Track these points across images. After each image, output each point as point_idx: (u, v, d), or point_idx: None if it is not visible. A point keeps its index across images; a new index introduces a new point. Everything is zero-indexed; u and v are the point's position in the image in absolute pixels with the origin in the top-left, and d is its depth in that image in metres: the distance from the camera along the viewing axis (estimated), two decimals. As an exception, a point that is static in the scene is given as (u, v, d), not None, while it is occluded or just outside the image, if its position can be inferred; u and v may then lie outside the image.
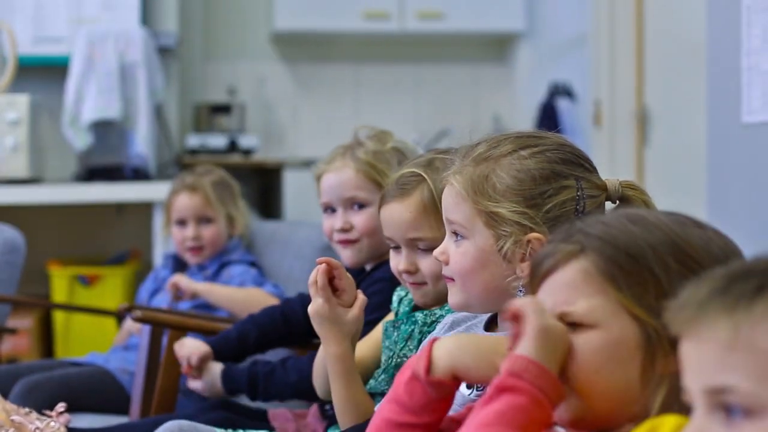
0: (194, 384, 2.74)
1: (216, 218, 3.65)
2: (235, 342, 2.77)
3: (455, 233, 1.83)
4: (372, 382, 2.25)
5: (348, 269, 2.69)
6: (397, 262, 2.22)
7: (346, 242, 2.61)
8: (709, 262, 1.40)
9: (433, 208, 2.15)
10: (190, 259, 3.66)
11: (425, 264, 2.17)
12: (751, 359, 1.07)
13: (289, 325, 2.79)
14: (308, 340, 2.79)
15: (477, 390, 1.77)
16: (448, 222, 1.84)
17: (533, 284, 1.52)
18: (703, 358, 1.12)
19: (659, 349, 1.39)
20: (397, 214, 2.20)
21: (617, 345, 1.41)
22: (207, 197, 3.65)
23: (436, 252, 1.87)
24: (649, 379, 1.40)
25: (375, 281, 2.53)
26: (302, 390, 2.57)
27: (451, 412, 1.77)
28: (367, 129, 2.66)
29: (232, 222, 3.70)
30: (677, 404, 1.36)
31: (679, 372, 1.34)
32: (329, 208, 2.66)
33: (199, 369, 2.72)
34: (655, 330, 1.39)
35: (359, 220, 2.59)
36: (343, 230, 2.60)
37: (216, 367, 2.72)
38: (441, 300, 2.18)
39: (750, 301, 1.09)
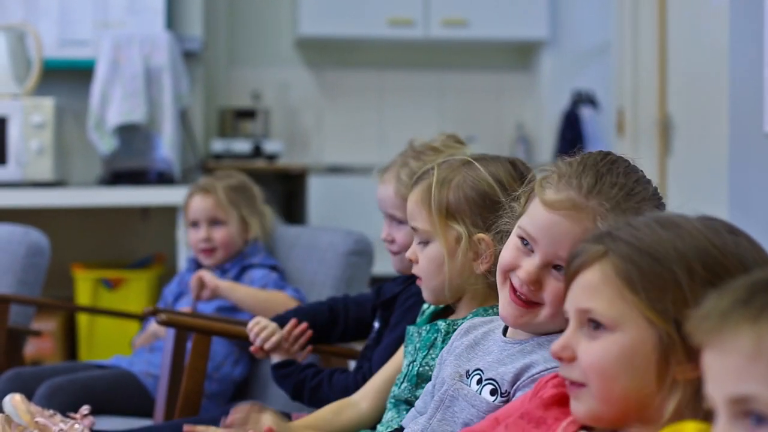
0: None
1: (227, 221, 3.65)
2: (327, 314, 2.85)
3: (557, 266, 1.77)
4: (395, 389, 2.25)
5: (397, 277, 2.75)
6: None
7: (391, 251, 2.66)
8: (739, 270, 1.40)
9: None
10: (204, 260, 3.66)
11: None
12: (773, 369, 1.08)
13: (334, 321, 2.85)
14: (345, 339, 2.88)
15: (501, 396, 1.78)
16: (557, 257, 1.76)
17: (566, 284, 1.53)
18: (726, 368, 1.12)
19: (672, 354, 1.40)
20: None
21: (634, 350, 1.42)
22: (218, 199, 3.65)
23: (528, 276, 1.79)
24: (662, 384, 1.41)
25: (411, 295, 2.56)
26: None
27: (475, 419, 1.78)
28: (419, 141, 2.66)
29: (247, 226, 3.70)
30: (690, 411, 1.37)
31: (695, 381, 1.36)
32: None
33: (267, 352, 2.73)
34: (668, 335, 1.40)
35: (399, 235, 2.62)
36: (387, 241, 2.65)
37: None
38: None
39: (773, 311, 1.09)
